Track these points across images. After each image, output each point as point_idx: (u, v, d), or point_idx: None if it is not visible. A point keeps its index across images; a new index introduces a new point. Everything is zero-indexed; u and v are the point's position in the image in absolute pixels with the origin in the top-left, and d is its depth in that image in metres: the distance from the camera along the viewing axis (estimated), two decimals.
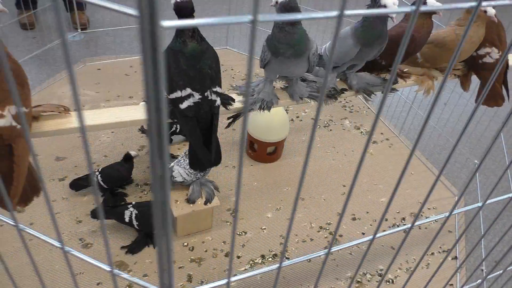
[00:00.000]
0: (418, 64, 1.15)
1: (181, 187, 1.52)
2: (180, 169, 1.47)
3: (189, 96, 0.92)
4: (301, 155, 1.99)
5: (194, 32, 0.90)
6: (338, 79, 1.09)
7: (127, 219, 1.43)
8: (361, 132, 2.21)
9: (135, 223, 1.43)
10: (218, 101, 0.96)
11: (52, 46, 2.39)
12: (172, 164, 1.51)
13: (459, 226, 1.78)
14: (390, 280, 1.53)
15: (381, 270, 1.56)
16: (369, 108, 2.39)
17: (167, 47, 0.93)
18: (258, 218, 1.67)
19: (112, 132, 1.95)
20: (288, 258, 1.54)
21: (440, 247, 1.69)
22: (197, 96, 0.92)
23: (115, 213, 1.45)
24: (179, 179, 1.48)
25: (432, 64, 1.15)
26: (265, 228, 1.64)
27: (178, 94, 0.92)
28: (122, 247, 1.47)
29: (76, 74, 2.29)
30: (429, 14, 1.00)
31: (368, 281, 1.52)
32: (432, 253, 1.65)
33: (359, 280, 1.51)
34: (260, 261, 1.52)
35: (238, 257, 1.52)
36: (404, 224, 1.75)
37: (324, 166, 1.95)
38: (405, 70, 1.12)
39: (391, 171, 1.99)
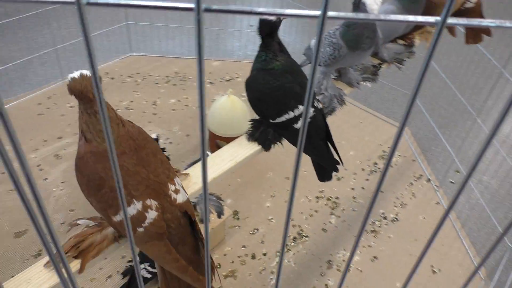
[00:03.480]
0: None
1: None
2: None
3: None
4: None
5: (280, 44, 0.83)
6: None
7: (148, 275, 1.31)
8: None
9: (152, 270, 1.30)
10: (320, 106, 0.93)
11: None
12: None
13: (416, 151, 2.01)
14: (395, 219, 1.68)
15: (383, 213, 1.70)
16: None
17: (255, 69, 0.84)
18: (260, 211, 1.66)
19: (63, 182, 1.71)
20: (307, 236, 1.58)
21: (414, 176, 1.89)
22: (311, 110, 0.86)
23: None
24: None
25: None
26: (272, 218, 1.64)
27: (289, 115, 0.84)
28: None
29: None
30: None
31: (379, 226, 1.64)
32: (411, 183, 1.85)
33: (372, 229, 1.63)
34: (285, 250, 1.53)
35: (264, 254, 1.51)
36: (378, 168, 1.91)
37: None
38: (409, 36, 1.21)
39: (346, 125, 2.13)
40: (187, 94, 2.25)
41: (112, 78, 2.34)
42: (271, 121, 0.87)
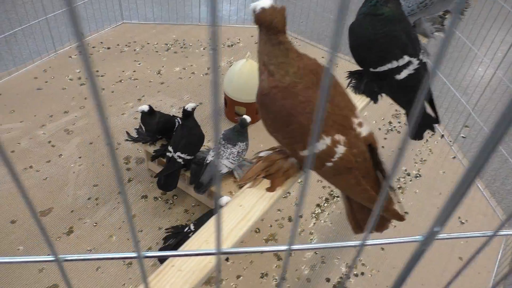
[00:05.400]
0: None
1: (222, 178, 1.40)
2: (223, 160, 1.34)
3: (408, 64, 0.82)
4: None
5: None
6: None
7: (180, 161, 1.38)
8: None
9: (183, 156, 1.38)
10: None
11: None
12: (209, 159, 1.36)
13: None
14: (417, 175, 1.72)
15: (405, 170, 1.74)
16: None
17: (361, 14, 0.79)
18: None
19: (80, 157, 1.62)
20: (338, 196, 1.59)
21: (428, 133, 1.92)
22: (415, 63, 0.83)
23: (179, 235, 1.28)
24: (224, 170, 1.35)
25: None
26: (300, 181, 1.63)
27: (392, 64, 0.81)
28: None
29: None
30: None
31: (404, 183, 1.68)
32: (427, 140, 1.89)
33: (398, 186, 1.66)
34: (323, 205, 1.54)
35: (300, 216, 1.51)
36: (394, 127, 1.94)
37: None
38: None
39: None
40: (191, 61, 2.17)
41: (108, 48, 2.21)
42: (371, 69, 0.84)
